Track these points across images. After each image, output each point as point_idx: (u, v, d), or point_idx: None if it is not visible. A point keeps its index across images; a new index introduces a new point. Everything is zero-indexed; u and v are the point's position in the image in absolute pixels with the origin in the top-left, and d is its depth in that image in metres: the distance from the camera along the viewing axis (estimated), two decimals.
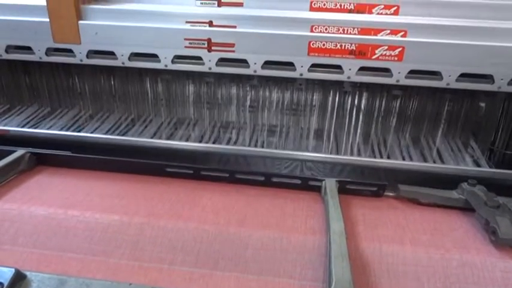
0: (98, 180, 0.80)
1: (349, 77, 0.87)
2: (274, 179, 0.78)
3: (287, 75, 0.89)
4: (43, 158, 0.84)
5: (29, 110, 1.07)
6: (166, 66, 0.93)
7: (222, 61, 0.90)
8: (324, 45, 0.85)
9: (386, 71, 0.85)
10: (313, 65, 0.87)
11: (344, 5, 0.91)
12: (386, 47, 0.84)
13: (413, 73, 0.84)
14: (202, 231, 0.66)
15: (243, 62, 0.89)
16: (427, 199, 0.74)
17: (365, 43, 0.83)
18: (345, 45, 0.84)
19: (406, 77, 0.85)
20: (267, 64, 0.89)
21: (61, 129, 0.99)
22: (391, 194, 0.77)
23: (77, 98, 1.08)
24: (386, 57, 0.84)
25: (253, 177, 0.79)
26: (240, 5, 0.96)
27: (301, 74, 0.89)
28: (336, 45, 0.85)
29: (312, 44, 0.86)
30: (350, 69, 0.86)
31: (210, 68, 0.91)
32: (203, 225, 0.67)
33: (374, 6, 0.90)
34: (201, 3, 0.97)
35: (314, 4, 0.92)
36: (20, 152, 0.82)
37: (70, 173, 0.82)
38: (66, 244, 0.64)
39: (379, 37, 0.84)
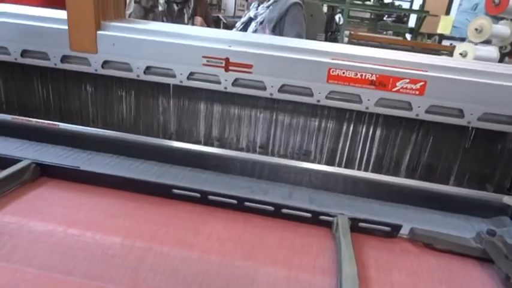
0: (102, 197, 0.78)
1: (367, 108, 0.85)
2: (284, 211, 0.75)
3: (304, 100, 0.87)
4: (48, 170, 0.82)
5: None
6: (181, 82, 0.91)
7: (238, 82, 0.89)
8: (344, 73, 0.83)
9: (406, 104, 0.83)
10: (332, 93, 0.85)
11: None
12: (408, 80, 0.82)
13: (433, 108, 0.82)
14: (206, 262, 0.63)
15: (259, 84, 0.87)
16: (442, 245, 0.71)
17: (386, 74, 0.81)
18: (365, 75, 0.83)
19: (426, 112, 0.83)
20: (284, 88, 0.87)
21: None
22: (404, 235, 0.74)
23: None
24: (407, 91, 0.82)
25: (263, 206, 0.76)
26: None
27: (318, 101, 0.87)
28: (356, 74, 0.83)
29: (332, 72, 0.84)
30: (369, 100, 0.84)
31: (225, 88, 0.90)
32: (208, 255, 0.64)
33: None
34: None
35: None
36: (25, 162, 0.80)
37: (74, 187, 0.80)
38: (64, 265, 0.61)
39: (400, 70, 0.82)
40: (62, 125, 0.96)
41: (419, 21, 5.60)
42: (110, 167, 0.91)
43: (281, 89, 0.87)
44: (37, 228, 0.67)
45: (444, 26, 4.94)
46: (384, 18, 5.95)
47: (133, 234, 0.67)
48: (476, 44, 2.38)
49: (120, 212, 0.74)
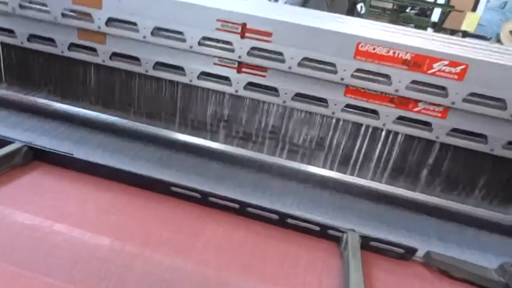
0: (95, 188, 0.72)
1: (397, 90, 0.76)
2: (290, 221, 0.69)
3: (325, 77, 0.79)
4: (41, 154, 0.76)
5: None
6: (191, 47, 0.83)
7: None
8: (374, 49, 0.75)
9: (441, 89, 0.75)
10: (358, 71, 0.77)
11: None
12: (446, 62, 0.73)
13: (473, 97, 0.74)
14: (201, 276, 0.57)
15: (278, 55, 0.79)
16: (460, 274, 0.65)
17: (422, 54, 0.73)
18: (398, 53, 0.74)
19: (464, 100, 0.74)
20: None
21: None
22: (419, 258, 0.67)
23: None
24: (445, 74, 0.74)
25: (266, 214, 0.70)
26: None
27: (342, 79, 0.78)
28: (388, 52, 0.75)
29: (361, 46, 0.75)
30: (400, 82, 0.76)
31: (239, 57, 0.81)
32: (203, 267, 0.58)
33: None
34: None
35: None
36: (17, 144, 0.75)
37: (67, 175, 0.74)
38: (46, 265, 0.56)
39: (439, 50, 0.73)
40: (58, 105, 0.89)
41: (444, 15, 5.39)
42: (108, 151, 0.85)
43: (301, 63, 0.78)
44: (21, 220, 0.62)
45: (469, 23, 4.75)
46: (407, 10, 5.75)
47: (124, 236, 0.62)
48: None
49: (113, 207, 0.68)
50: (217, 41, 0.82)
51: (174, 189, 0.72)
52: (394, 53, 0.75)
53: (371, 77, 0.78)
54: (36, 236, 0.60)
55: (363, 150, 0.86)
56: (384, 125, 0.80)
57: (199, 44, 0.82)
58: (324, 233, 0.68)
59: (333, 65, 0.77)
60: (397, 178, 0.86)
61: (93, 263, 0.57)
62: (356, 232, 0.67)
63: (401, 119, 0.79)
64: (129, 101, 0.94)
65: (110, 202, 0.69)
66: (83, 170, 0.75)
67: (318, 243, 0.68)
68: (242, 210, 0.71)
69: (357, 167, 0.88)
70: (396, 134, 0.83)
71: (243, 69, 0.82)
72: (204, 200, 0.72)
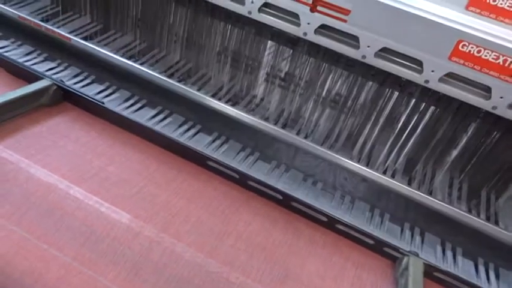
0: (123, 147, 0.64)
1: (495, 107, 0.60)
2: (340, 227, 0.58)
3: (406, 76, 0.63)
4: (69, 96, 0.68)
5: (79, 21, 0.90)
6: (250, 13, 0.69)
7: (324, 30, 0.65)
8: (479, 52, 0.57)
9: None
10: (450, 75, 0.60)
11: None
12: None
13: None
14: (224, 279, 0.49)
15: (351, 39, 0.64)
16: None
17: None
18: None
19: None
20: (383, 52, 0.63)
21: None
22: None
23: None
24: None
25: (313, 213, 0.58)
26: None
27: (426, 81, 0.62)
28: (498, 58, 0.57)
29: (462, 46, 0.58)
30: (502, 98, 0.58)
31: (305, 34, 0.66)
32: (228, 273, 0.49)
33: None
34: None
35: None
36: (45, 82, 0.66)
37: (94, 126, 0.66)
38: (56, 236, 0.49)
39: None
40: (75, 40, 0.76)
41: None
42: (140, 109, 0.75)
43: (379, 53, 0.63)
44: (38, 176, 0.55)
45: None
46: None
47: (146, 214, 0.53)
48: None
49: (138, 174, 0.60)
50: None
51: (210, 163, 0.62)
52: (504, 61, 0.55)
53: (463, 85, 0.60)
54: (50, 198, 0.53)
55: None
56: None
57: (260, 10, 0.66)
58: (379, 249, 0.57)
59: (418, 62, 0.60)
60: None
61: (107, 243, 0.50)
62: (421, 259, 0.54)
63: None
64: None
65: (136, 168, 0.61)
66: (115, 123, 0.67)
67: (369, 259, 0.57)
68: (285, 203, 0.60)
69: None
70: None
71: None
72: (242, 182, 0.61)
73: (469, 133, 0.70)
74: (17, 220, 0.50)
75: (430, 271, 0.54)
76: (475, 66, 0.58)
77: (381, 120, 0.74)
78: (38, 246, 0.48)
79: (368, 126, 0.75)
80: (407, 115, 0.72)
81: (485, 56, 0.57)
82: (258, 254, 0.53)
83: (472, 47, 0.57)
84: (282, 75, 0.79)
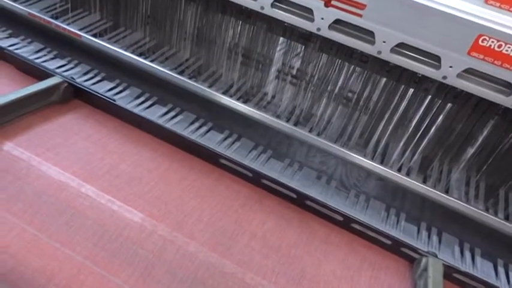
0: (135, 145, 0.63)
1: None
2: (355, 226, 0.56)
3: (422, 71, 0.61)
4: (81, 93, 0.67)
5: (89, 18, 0.89)
6: (262, 9, 0.67)
7: (338, 25, 0.63)
8: (500, 46, 0.56)
9: None
10: (469, 71, 0.59)
11: None
12: None
13: None
14: (238, 280, 0.48)
15: (367, 34, 0.62)
16: None
17: None
18: None
19: None
20: (400, 47, 0.61)
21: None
22: None
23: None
24: None
25: (328, 212, 0.57)
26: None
27: (444, 77, 0.60)
28: None
29: (482, 41, 0.56)
30: None
31: (318, 30, 0.65)
32: (243, 273, 0.48)
33: None
34: None
35: None
36: (56, 79, 0.66)
37: (106, 123, 0.65)
38: (68, 235, 0.49)
39: None
40: (85, 37, 0.75)
41: None
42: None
43: (395, 48, 0.61)
44: (49, 174, 0.54)
45: None
46: None
47: (158, 213, 0.53)
48: None
49: (150, 172, 0.59)
50: None
51: (223, 161, 0.61)
52: None
53: (482, 81, 0.58)
54: (62, 197, 0.52)
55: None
56: None
57: (273, 5, 0.65)
58: (396, 250, 0.55)
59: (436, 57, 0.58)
60: None
61: (119, 242, 0.49)
62: (440, 260, 0.52)
63: None
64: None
65: (148, 166, 0.60)
66: (126, 120, 0.66)
67: (386, 260, 0.55)
68: (299, 202, 0.58)
69: None
70: None
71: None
72: (255, 180, 0.60)
73: (487, 130, 0.68)
74: (29, 219, 0.50)
75: (449, 272, 0.53)
76: (495, 62, 0.56)
77: (395, 118, 0.72)
78: (50, 245, 0.48)
79: (382, 124, 0.73)
80: (423, 112, 0.70)
81: (506, 50, 0.55)
82: (273, 254, 0.52)
83: (492, 42, 0.55)
84: (294, 72, 0.78)
